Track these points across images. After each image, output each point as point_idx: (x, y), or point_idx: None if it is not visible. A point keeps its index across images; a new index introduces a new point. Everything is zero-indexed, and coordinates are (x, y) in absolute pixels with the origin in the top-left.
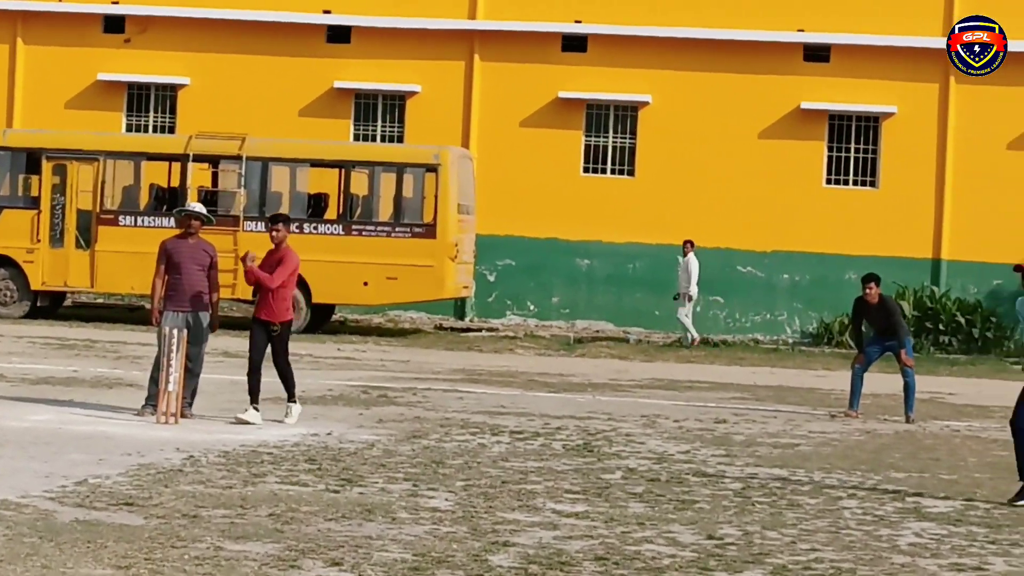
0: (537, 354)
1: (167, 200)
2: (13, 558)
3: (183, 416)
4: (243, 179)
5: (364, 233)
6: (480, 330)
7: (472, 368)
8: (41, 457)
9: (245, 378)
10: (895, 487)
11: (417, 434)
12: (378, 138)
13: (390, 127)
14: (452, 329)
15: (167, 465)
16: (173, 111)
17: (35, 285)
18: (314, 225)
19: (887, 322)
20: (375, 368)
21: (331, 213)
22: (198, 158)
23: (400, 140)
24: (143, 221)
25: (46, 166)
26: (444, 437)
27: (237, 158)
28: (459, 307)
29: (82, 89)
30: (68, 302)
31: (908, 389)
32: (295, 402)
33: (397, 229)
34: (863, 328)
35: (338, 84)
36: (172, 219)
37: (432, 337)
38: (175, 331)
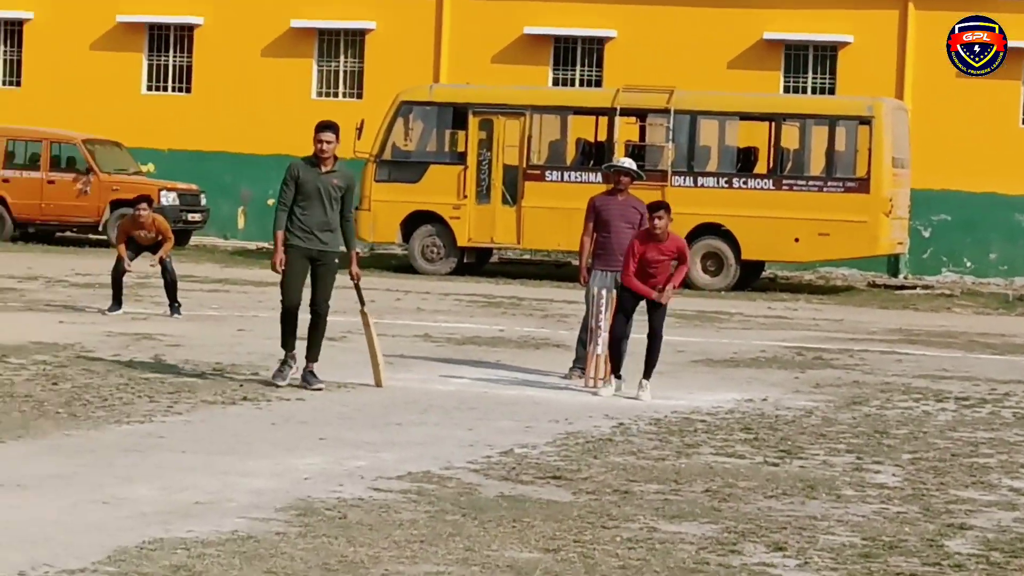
0: (975, 313)
1: (594, 155)
2: (435, 538)
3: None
4: (671, 133)
5: (795, 188)
6: (915, 287)
7: (909, 328)
8: (466, 424)
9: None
10: None
11: (857, 400)
12: (809, 90)
13: (821, 79)
14: (885, 287)
15: (596, 434)
16: (600, 64)
17: (461, 242)
18: (743, 180)
19: None
20: (808, 328)
21: (761, 167)
22: (625, 112)
23: (831, 92)
24: (570, 176)
25: (472, 121)
26: (886, 404)
27: (665, 111)
28: (892, 264)
29: (508, 43)
30: (494, 259)
31: None
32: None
33: (829, 184)
34: None
35: (768, 36)
36: (599, 175)
37: (865, 295)
38: (604, 291)
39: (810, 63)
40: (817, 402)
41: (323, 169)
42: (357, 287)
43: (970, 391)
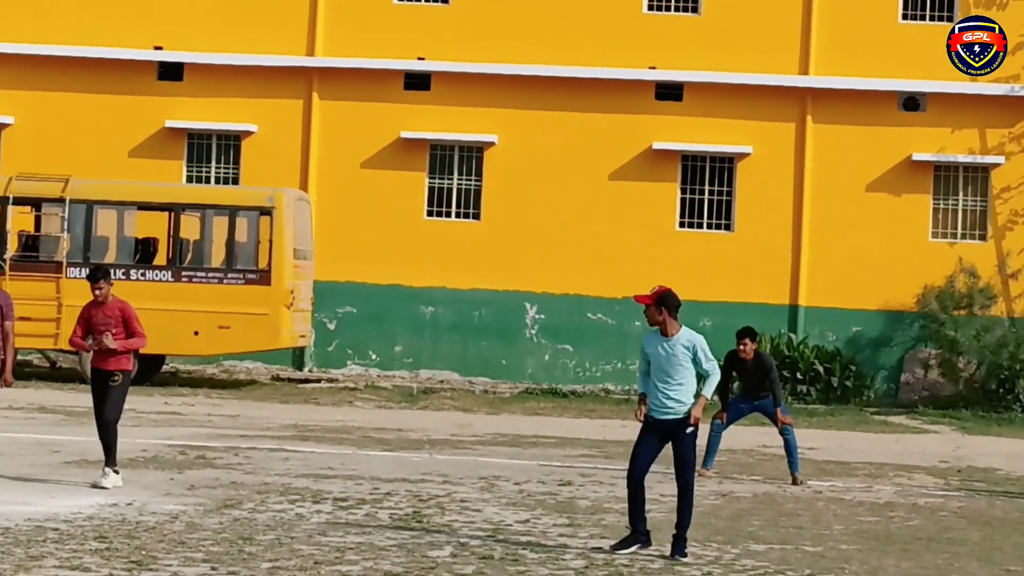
0: (377, 407)
1: None
2: None
3: None
4: (66, 223)
5: (194, 280)
6: (319, 381)
7: (305, 423)
8: None
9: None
10: (755, 562)
11: (229, 503)
12: (212, 180)
13: (225, 168)
14: (290, 380)
15: None
16: None
17: None
18: (142, 271)
19: (762, 380)
20: (200, 424)
21: (160, 259)
22: (19, 201)
23: (236, 182)
24: None
25: None
26: (259, 506)
27: (60, 200)
28: (298, 357)
29: None
30: None
31: (790, 448)
32: (115, 468)
33: (229, 275)
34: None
35: (170, 123)
36: None
37: (268, 389)
38: None
39: (214, 152)
40: (187, 506)
41: None
42: None
43: (351, 491)
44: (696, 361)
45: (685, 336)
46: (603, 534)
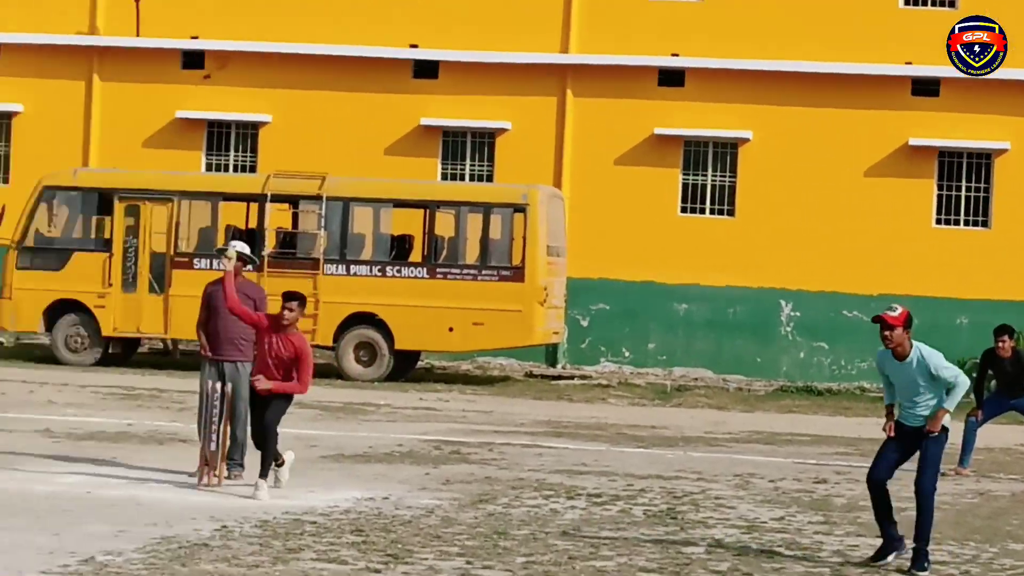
0: (630, 403)
1: (245, 242)
2: None
3: (228, 478)
4: (323, 220)
5: (449, 276)
6: (572, 378)
7: (558, 419)
8: (53, 528)
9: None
10: (1014, 562)
11: (484, 498)
12: (467, 177)
13: (479, 166)
14: (543, 377)
15: (194, 538)
16: (254, 149)
17: (106, 331)
18: (397, 268)
19: (1019, 378)
20: (455, 420)
21: (415, 255)
22: (276, 198)
23: (490, 179)
24: (220, 264)
25: (118, 207)
26: (513, 501)
27: (317, 198)
28: (551, 353)
29: (160, 127)
30: (144, 348)
31: None
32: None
33: (484, 272)
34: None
35: (425, 121)
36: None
37: (521, 385)
38: (216, 384)
39: (468, 150)
40: (442, 500)
41: None
42: None
43: (605, 487)
44: (936, 379)
45: (916, 358)
46: (859, 532)
